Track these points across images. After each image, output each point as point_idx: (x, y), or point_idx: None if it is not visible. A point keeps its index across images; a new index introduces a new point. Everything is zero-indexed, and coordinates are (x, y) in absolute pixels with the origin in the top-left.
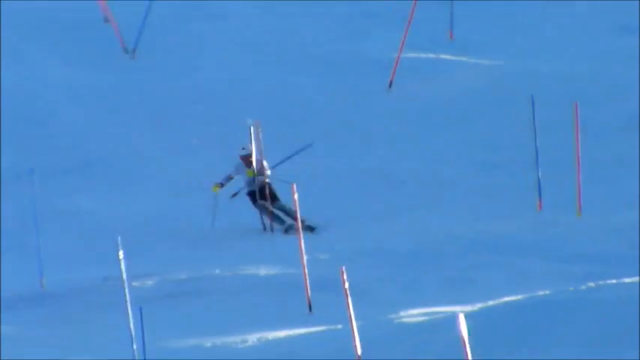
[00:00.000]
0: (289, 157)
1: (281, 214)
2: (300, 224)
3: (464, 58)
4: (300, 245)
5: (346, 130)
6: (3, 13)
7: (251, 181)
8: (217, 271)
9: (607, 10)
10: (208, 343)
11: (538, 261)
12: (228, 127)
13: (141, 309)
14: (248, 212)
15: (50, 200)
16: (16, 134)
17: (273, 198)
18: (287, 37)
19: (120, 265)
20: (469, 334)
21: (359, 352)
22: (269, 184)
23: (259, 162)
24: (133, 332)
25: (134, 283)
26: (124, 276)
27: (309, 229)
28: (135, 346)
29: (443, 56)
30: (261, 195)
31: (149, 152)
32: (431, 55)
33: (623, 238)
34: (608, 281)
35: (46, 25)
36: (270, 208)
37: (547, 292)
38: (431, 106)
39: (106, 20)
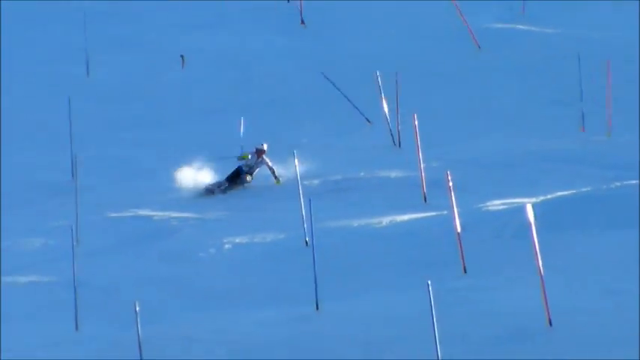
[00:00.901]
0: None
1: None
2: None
3: (533, 28)
4: (419, 155)
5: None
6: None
7: (250, 164)
8: (362, 174)
9: None
10: (355, 223)
11: (582, 168)
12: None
13: (310, 200)
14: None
15: None
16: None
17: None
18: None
19: (296, 169)
20: (535, 219)
21: (458, 229)
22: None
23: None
24: (304, 216)
25: (304, 182)
26: (298, 177)
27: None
28: (305, 226)
29: (518, 26)
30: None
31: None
32: (509, 26)
33: None
34: (631, 182)
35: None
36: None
37: (588, 188)
38: (511, 61)
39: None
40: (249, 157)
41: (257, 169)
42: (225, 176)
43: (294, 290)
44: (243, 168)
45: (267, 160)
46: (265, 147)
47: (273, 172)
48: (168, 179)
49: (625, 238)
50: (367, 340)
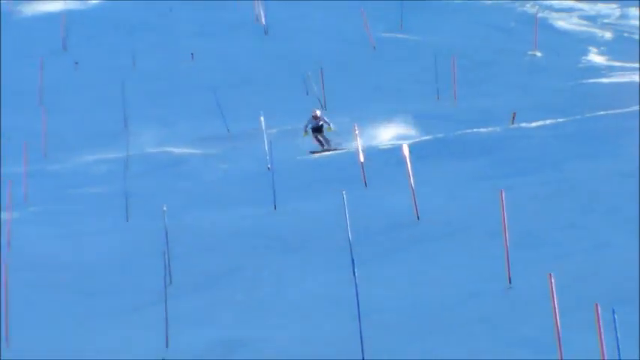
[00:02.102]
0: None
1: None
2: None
3: (407, 36)
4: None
5: (355, 68)
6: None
7: (314, 124)
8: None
9: None
10: (298, 157)
11: (438, 121)
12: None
13: (271, 142)
14: None
15: None
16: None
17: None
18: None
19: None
20: (409, 154)
21: (362, 160)
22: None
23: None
24: (267, 151)
25: (269, 130)
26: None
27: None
28: (267, 157)
29: (398, 35)
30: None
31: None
32: (392, 35)
33: None
34: (467, 130)
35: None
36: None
37: (442, 135)
38: (395, 57)
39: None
40: (311, 122)
41: (320, 123)
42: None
43: (261, 197)
44: (314, 127)
45: (323, 117)
46: (318, 112)
47: (327, 123)
48: (187, 127)
49: (464, 165)
50: (301, 228)
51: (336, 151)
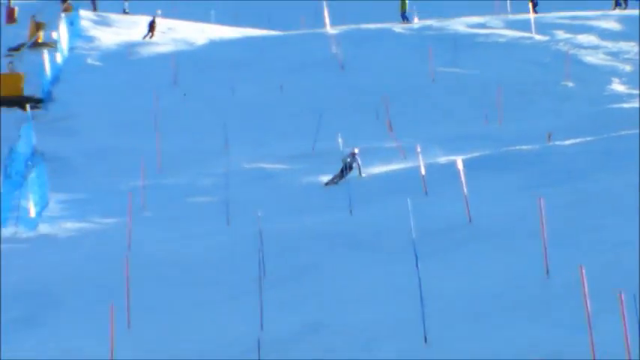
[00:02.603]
0: None
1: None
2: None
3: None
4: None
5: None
6: None
7: (349, 160)
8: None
9: None
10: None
11: (486, 141)
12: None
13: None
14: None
15: None
16: (312, 102)
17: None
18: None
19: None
20: (463, 167)
21: (423, 172)
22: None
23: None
24: None
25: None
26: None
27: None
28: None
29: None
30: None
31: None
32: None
33: None
34: (511, 148)
35: None
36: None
37: (489, 151)
38: (361, 77)
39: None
40: (348, 158)
41: (353, 163)
42: (338, 172)
43: (339, 204)
44: (346, 164)
45: (358, 159)
46: (356, 150)
47: (359, 168)
48: (277, 146)
49: (508, 177)
50: (372, 230)
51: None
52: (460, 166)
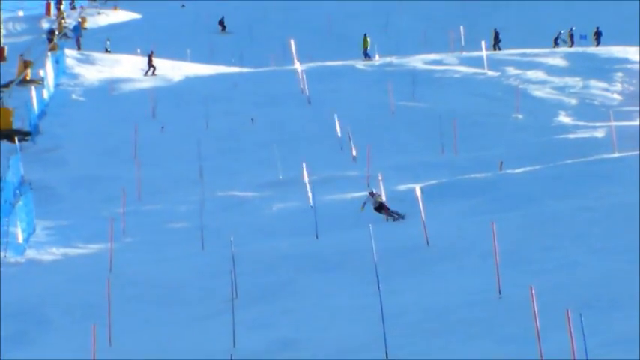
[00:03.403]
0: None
1: (393, 213)
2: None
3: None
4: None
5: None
6: None
7: (374, 203)
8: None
9: None
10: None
11: (442, 170)
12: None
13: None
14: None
15: None
16: (281, 131)
17: (386, 208)
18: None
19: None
20: (421, 194)
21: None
22: (382, 203)
23: (378, 195)
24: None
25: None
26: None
27: (401, 217)
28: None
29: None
30: (380, 209)
31: None
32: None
33: None
34: (470, 176)
35: None
36: (387, 212)
37: (446, 180)
38: (324, 110)
39: None
40: (368, 200)
41: (379, 199)
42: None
43: (306, 229)
44: (374, 207)
45: (377, 197)
46: (374, 191)
47: (385, 207)
48: (249, 175)
49: (464, 203)
50: (337, 252)
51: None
52: (418, 193)
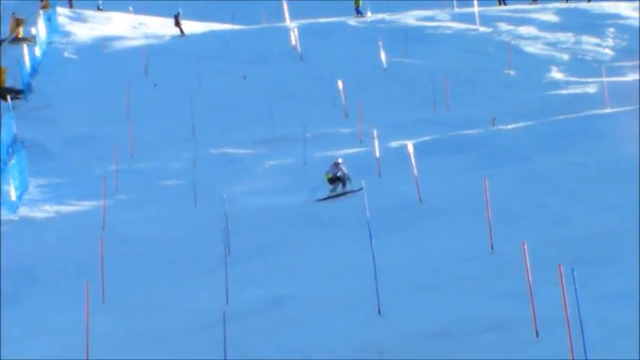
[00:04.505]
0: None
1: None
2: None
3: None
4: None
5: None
6: None
7: (334, 172)
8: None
9: None
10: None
11: (434, 126)
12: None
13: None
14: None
15: None
16: (275, 88)
17: (341, 181)
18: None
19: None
20: (413, 150)
21: (377, 155)
22: (339, 177)
23: (340, 169)
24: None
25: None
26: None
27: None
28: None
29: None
30: (332, 181)
31: None
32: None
33: None
34: (461, 132)
35: None
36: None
37: (438, 135)
38: (318, 67)
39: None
40: (331, 171)
41: (338, 174)
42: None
43: (300, 186)
44: (331, 176)
45: (343, 168)
46: (340, 160)
47: (345, 177)
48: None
49: (456, 159)
50: (330, 209)
51: (347, 194)
52: (411, 149)
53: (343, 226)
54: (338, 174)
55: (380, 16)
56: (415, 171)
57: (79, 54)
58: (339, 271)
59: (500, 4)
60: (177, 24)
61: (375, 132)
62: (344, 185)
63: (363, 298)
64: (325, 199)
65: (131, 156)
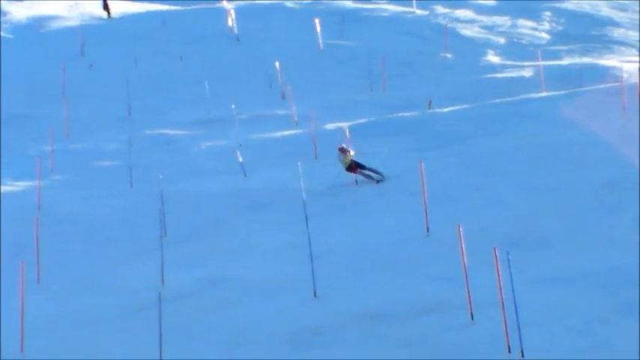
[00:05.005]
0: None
1: (370, 173)
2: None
3: (348, 42)
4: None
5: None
6: None
7: (345, 163)
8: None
9: None
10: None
11: (370, 107)
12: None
13: None
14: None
15: None
16: (210, 69)
17: (361, 167)
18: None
19: None
20: (350, 133)
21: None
22: (354, 161)
23: (348, 152)
24: None
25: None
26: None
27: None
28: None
29: (340, 42)
30: (352, 169)
31: None
32: (335, 42)
33: None
34: (397, 114)
35: None
36: (362, 172)
37: (374, 118)
38: (338, 55)
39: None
40: (339, 159)
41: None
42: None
43: (235, 167)
44: (352, 164)
45: (348, 155)
46: (344, 145)
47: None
48: (178, 113)
49: (392, 141)
50: (266, 191)
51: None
52: (347, 132)
53: (278, 208)
54: (349, 158)
55: None
56: (351, 153)
57: (15, 33)
58: (275, 254)
59: None
60: (106, 7)
61: (311, 114)
62: (363, 171)
63: (299, 280)
64: (377, 181)
65: (67, 136)
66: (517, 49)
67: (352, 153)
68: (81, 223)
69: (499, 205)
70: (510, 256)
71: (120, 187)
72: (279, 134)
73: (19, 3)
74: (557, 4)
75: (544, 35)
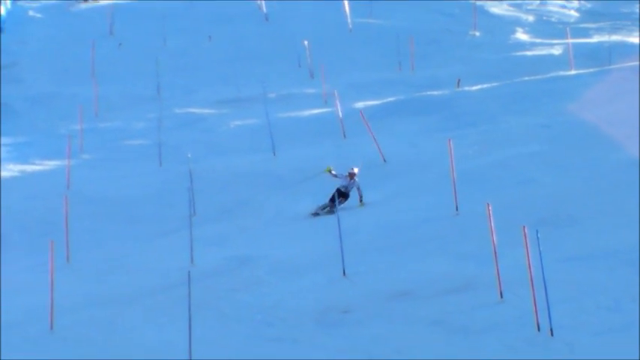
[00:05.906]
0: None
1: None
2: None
3: (377, 20)
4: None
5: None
6: None
7: (345, 185)
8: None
9: None
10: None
11: (399, 86)
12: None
13: None
14: None
15: None
16: (240, 48)
17: (343, 195)
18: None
19: None
20: (379, 111)
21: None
22: (339, 189)
23: (355, 181)
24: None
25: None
26: None
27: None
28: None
29: (369, 20)
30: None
31: None
32: (364, 20)
33: None
34: (426, 93)
35: None
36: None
37: (403, 96)
38: (367, 35)
39: None
40: (343, 180)
41: (351, 190)
42: (328, 199)
43: (264, 146)
44: (341, 189)
45: (357, 182)
46: (356, 170)
47: (360, 195)
48: (206, 92)
49: (421, 120)
50: (294, 169)
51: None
52: (362, 114)
53: (307, 186)
54: (349, 189)
55: None
56: (372, 133)
57: (44, 12)
58: (304, 232)
59: None
60: None
61: (336, 94)
62: (344, 200)
63: (328, 259)
64: (316, 213)
65: (96, 115)
66: (546, 27)
67: (359, 185)
68: (110, 202)
69: (527, 184)
70: (539, 234)
71: (149, 166)
72: (307, 113)
73: None
74: None
75: (573, 13)
